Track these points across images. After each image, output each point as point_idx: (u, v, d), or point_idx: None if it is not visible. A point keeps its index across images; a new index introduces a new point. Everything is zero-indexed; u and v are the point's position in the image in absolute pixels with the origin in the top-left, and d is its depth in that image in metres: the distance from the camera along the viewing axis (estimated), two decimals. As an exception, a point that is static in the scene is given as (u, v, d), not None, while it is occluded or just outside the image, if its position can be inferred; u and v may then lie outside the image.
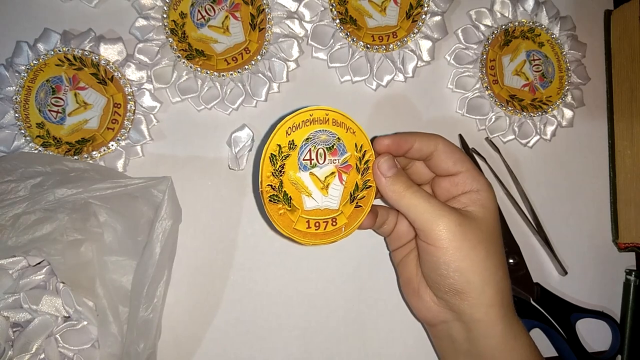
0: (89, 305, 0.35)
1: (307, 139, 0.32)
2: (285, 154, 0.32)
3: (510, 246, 0.44)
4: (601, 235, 0.48)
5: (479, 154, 0.45)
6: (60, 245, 0.34)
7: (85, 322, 0.35)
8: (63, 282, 0.35)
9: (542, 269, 0.46)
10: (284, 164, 0.32)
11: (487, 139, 0.46)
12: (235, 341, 0.41)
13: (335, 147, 0.33)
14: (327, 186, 0.33)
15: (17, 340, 0.34)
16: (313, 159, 0.33)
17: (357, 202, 0.34)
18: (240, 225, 0.42)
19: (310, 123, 0.32)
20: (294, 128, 0.32)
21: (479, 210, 0.33)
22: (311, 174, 0.33)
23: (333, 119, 0.32)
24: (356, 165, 0.33)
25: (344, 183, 0.33)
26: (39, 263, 0.36)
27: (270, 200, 0.32)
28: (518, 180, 0.46)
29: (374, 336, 0.42)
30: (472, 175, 0.34)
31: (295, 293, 0.42)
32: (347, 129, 0.33)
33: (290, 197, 0.32)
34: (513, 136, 0.46)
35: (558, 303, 0.44)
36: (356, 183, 0.34)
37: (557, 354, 0.44)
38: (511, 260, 0.44)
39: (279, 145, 0.32)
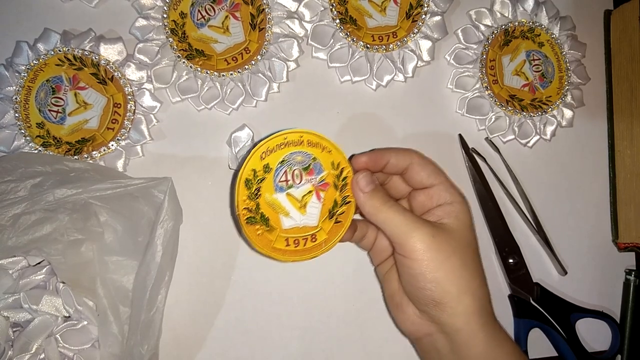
0: (90, 305, 0.35)
1: (283, 161, 0.33)
2: (260, 177, 0.32)
3: (510, 246, 0.44)
4: (601, 235, 0.48)
5: (479, 154, 0.45)
6: (61, 245, 0.34)
7: (86, 322, 0.35)
8: (63, 282, 0.35)
9: (542, 269, 0.46)
10: (259, 187, 0.32)
11: (487, 139, 0.46)
12: (236, 341, 0.41)
13: (311, 166, 0.34)
14: (305, 205, 0.34)
15: (17, 340, 0.34)
16: (289, 180, 0.33)
17: (336, 218, 0.35)
18: (240, 225, 0.42)
19: (285, 146, 0.33)
20: (268, 152, 0.32)
21: (452, 222, 0.34)
22: (288, 194, 0.33)
23: (308, 140, 0.33)
24: (334, 182, 0.34)
25: (322, 201, 0.34)
26: (39, 263, 0.36)
27: (247, 222, 0.33)
28: (518, 180, 0.46)
29: (374, 336, 0.42)
30: (445, 188, 0.35)
31: (296, 293, 0.42)
32: (323, 149, 0.34)
33: (267, 217, 0.33)
34: (513, 136, 0.46)
35: (558, 303, 0.44)
36: (335, 200, 0.34)
37: (557, 354, 0.44)
38: (511, 260, 0.44)
39: (254, 170, 0.32)
